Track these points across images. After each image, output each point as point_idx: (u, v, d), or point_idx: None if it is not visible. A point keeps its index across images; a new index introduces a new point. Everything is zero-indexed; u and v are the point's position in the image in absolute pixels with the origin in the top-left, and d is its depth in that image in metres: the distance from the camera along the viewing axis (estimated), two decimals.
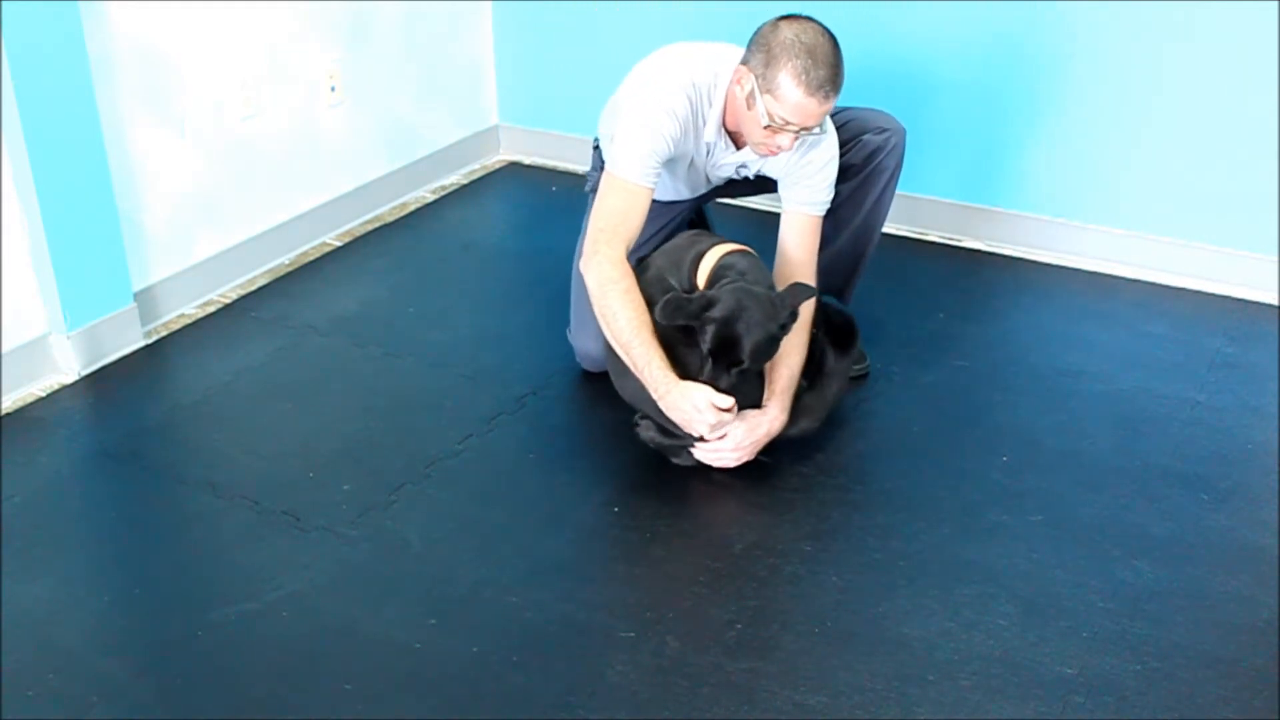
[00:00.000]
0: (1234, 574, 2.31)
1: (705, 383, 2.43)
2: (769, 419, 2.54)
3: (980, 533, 2.42)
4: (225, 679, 2.10)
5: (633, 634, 2.18)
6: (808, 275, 2.68)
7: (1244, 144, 3.18)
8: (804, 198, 2.66)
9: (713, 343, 2.41)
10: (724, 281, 2.49)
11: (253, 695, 2.07)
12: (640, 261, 2.67)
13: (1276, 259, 3.22)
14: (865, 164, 2.74)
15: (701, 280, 2.55)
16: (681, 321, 2.44)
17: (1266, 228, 3.22)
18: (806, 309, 2.60)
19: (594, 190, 2.87)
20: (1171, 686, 2.07)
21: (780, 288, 2.59)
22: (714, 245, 2.60)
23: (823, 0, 3.47)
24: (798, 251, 2.68)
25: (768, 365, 2.55)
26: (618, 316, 2.48)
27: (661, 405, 2.47)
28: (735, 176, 2.76)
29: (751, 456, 2.55)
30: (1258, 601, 2.25)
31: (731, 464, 2.55)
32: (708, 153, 2.65)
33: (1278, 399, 2.83)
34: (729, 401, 2.41)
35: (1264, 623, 2.20)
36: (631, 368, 2.50)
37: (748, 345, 2.41)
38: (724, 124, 2.60)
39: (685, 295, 2.48)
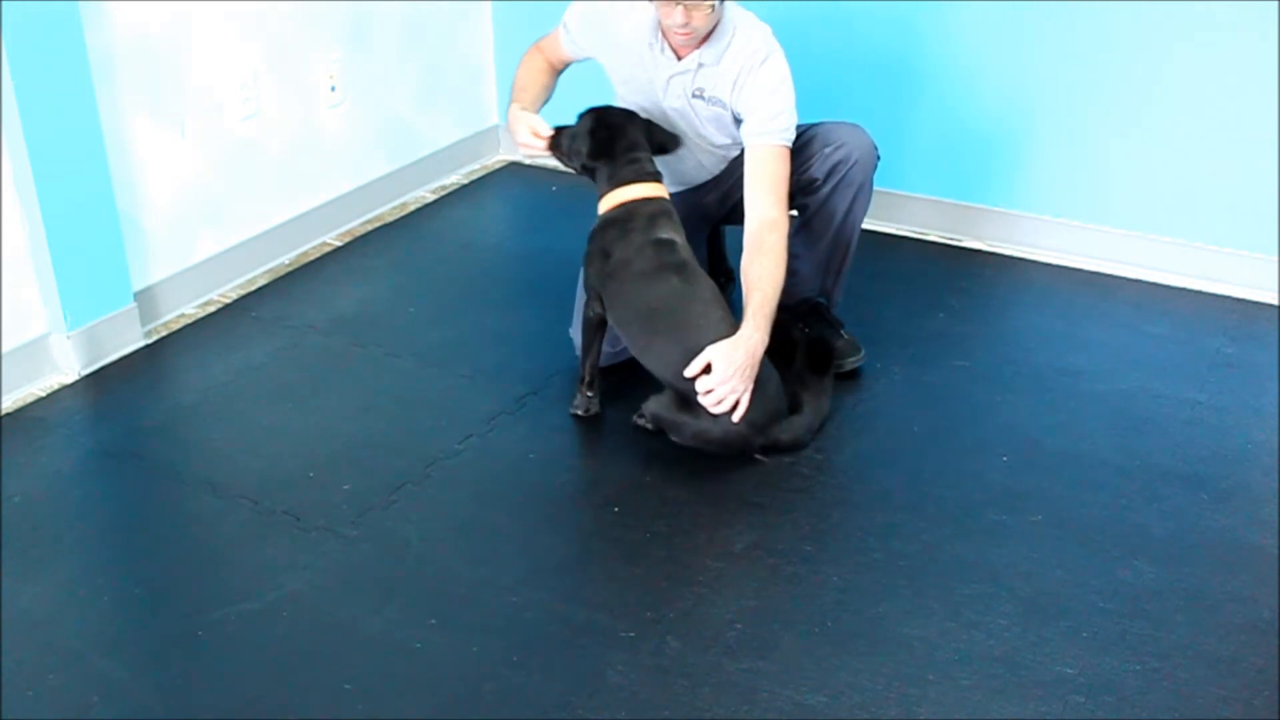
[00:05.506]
0: (1234, 574, 2.31)
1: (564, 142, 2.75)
2: (744, 339, 2.52)
3: (980, 533, 2.42)
4: (225, 679, 2.10)
5: (633, 634, 2.18)
6: (774, 205, 2.65)
7: (1244, 144, 3.18)
8: (760, 126, 2.66)
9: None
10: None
11: (253, 695, 2.07)
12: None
13: (1276, 259, 3.22)
14: (829, 177, 2.78)
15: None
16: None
17: (1266, 228, 3.22)
18: (781, 232, 2.64)
19: None
20: (1171, 686, 2.07)
21: (749, 222, 2.64)
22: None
23: (833, 1, 3.49)
24: (761, 183, 2.66)
25: (744, 289, 2.58)
26: (518, 73, 2.96)
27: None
28: (692, 113, 2.75)
29: (747, 386, 2.51)
30: (1258, 601, 2.25)
31: (736, 401, 2.50)
32: (654, 61, 2.72)
33: (1278, 399, 2.83)
34: (548, 129, 2.75)
35: (1264, 623, 2.20)
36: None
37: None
38: (663, 37, 2.70)
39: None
